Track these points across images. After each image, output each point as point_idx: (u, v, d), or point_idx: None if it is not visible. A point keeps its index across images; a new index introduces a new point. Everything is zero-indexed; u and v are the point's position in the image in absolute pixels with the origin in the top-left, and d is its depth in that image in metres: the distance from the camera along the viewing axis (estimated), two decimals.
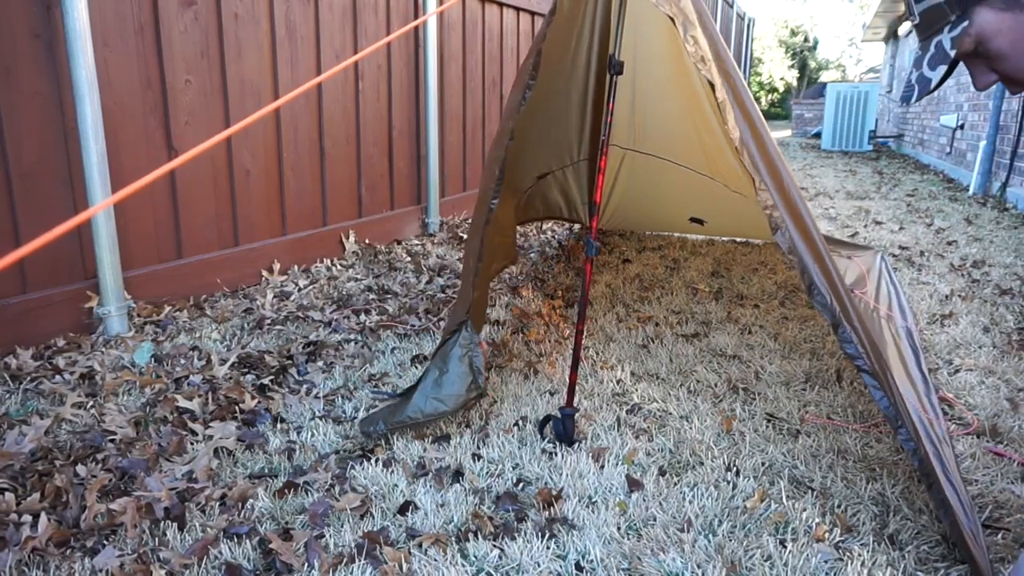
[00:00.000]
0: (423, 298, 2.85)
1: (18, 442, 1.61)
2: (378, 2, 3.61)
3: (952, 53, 1.01)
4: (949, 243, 4.09)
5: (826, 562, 1.30)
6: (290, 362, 2.16)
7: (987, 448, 1.72)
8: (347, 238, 3.52)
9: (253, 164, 2.96)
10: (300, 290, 2.92)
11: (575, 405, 1.80)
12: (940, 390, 2.07)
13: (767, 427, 1.84)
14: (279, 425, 1.81)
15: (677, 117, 3.02)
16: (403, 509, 1.45)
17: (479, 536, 1.36)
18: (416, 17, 3.93)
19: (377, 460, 1.63)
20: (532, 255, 3.66)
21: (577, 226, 4.47)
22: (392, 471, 1.59)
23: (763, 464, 1.65)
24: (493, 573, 1.27)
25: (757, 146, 1.52)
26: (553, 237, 4.13)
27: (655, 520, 1.43)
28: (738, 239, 4.06)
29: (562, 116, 2.77)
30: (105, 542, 1.33)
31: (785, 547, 1.34)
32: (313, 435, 1.75)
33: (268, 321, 2.51)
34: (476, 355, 1.71)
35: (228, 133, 0.64)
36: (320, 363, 2.19)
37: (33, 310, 2.19)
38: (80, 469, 1.52)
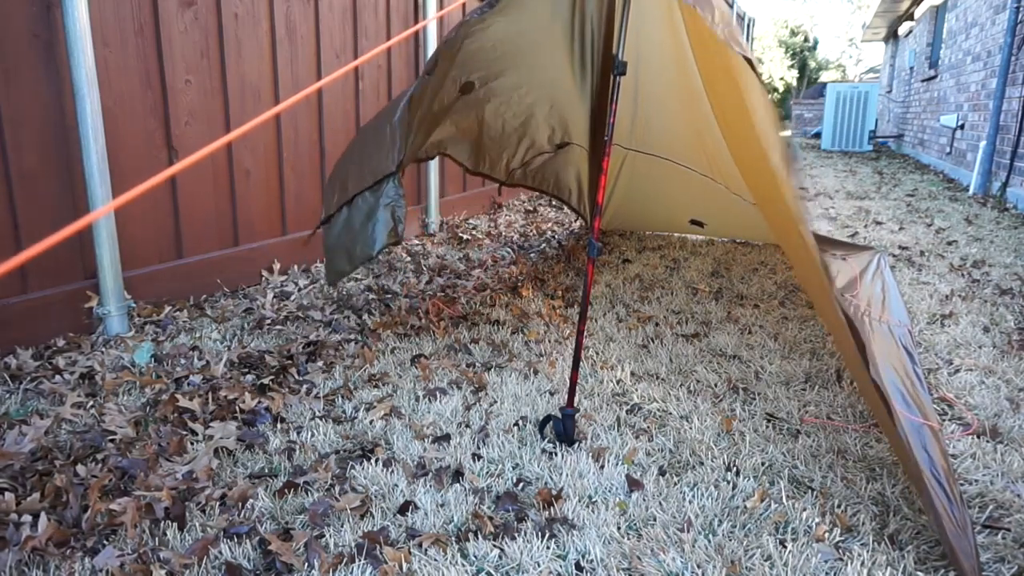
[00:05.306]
0: (423, 298, 2.85)
1: (18, 442, 1.61)
2: (378, 2, 3.61)
3: None
4: (949, 243, 4.09)
5: (826, 562, 1.30)
6: (290, 362, 2.16)
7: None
8: None
9: (253, 164, 2.96)
10: (300, 290, 2.92)
11: (575, 405, 1.80)
12: (940, 390, 2.07)
13: (767, 427, 1.84)
14: (279, 425, 1.81)
15: (679, 117, 3.02)
16: (403, 509, 1.45)
17: (479, 536, 1.36)
18: (416, 16, 3.93)
19: (377, 460, 1.63)
20: (532, 255, 3.66)
21: (577, 226, 4.47)
22: (392, 471, 1.59)
23: (763, 464, 1.65)
24: (493, 573, 1.27)
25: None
26: (553, 237, 4.13)
27: (655, 520, 1.43)
28: (738, 239, 4.06)
29: (564, 94, 2.80)
30: (105, 542, 1.33)
31: (785, 547, 1.34)
32: (313, 435, 1.75)
33: (268, 321, 2.51)
34: (400, 207, 1.86)
35: (233, 136, 0.64)
36: (320, 363, 2.19)
37: (33, 310, 2.19)
38: (80, 469, 1.52)
